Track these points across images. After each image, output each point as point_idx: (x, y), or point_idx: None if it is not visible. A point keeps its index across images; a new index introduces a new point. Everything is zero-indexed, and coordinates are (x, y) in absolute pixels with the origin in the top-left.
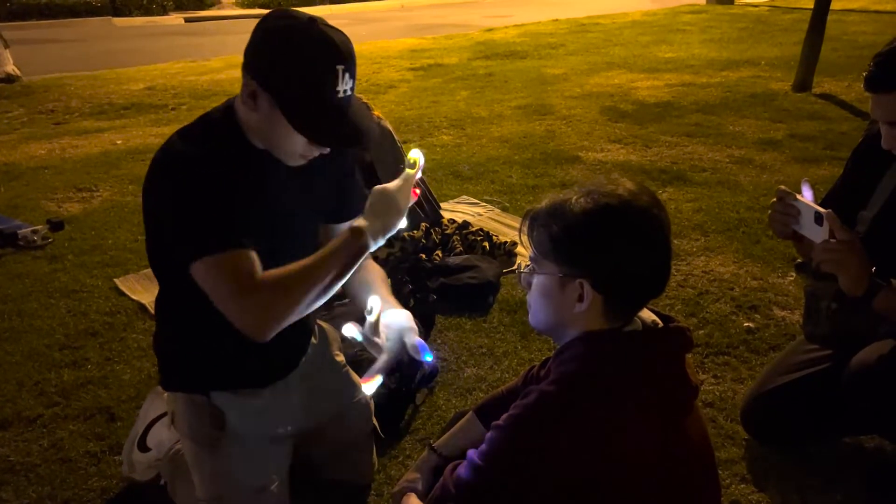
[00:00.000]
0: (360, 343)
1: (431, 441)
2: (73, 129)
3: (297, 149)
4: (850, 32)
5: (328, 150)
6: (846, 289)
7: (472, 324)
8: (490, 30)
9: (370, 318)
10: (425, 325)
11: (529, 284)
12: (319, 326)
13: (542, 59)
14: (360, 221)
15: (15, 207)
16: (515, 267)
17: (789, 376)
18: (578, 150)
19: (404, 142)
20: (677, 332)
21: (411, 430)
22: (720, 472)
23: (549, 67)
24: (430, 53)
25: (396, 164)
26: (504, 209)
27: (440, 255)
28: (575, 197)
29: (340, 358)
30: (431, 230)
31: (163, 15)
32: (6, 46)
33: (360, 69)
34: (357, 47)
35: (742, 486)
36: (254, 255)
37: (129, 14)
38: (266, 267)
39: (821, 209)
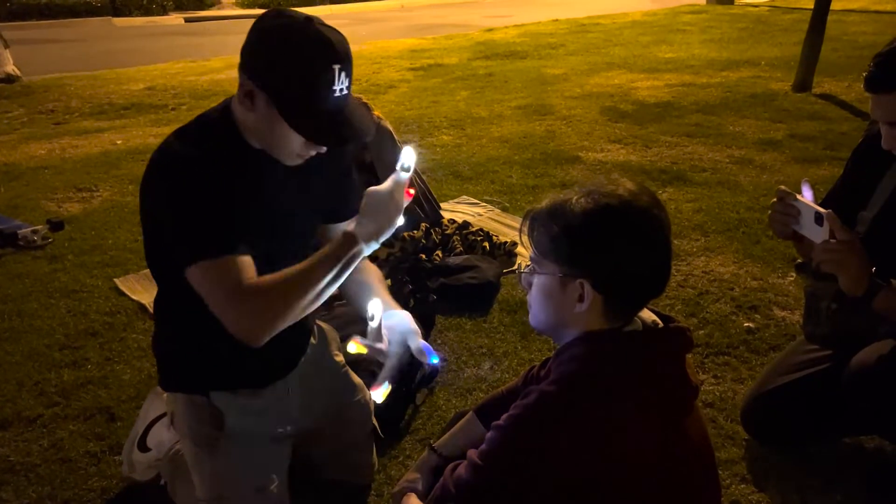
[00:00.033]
0: (365, 356)
1: (431, 441)
2: (73, 129)
3: (294, 148)
4: (851, 32)
5: (325, 149)
6: (846, 289)
7: (472, 324)
8: (490, 30)
9: (372, 324)
10: (425, 326)
11: (530, 284)
12: (319, 327)
13: (542, 59)
14: (352, 226)
15: (15, 207)
16: (515, 267)
17: (789, 376)
18: (578, 150)
19: (404, 142)
20: (677, 333)
21: (411, 430)
22: (720, 472)
23: (549, 67)
24: (430, 53)
25: (396, 164)
26: (504, 209)
27: (440, 255)
28: (575, 197)
29: (340, 358)
30: (431, 230)
31: (163, 15)
32: (6, 46)
33: (361, 69)
34: (357, 47)
35: (742, 486)
36: (248, 260)
37: (129, 14)
38: (263, 267)
39: (821, 209)
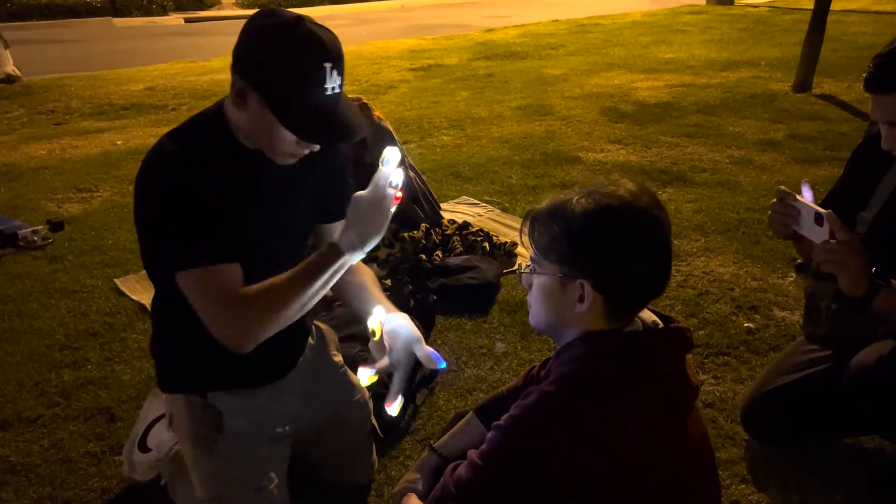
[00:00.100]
0: (377, 377)
1: (432, 441)
2: (73, 129)
3: (287, 147)
4: (851, 33)
5: (318, 147)
6: (846, 289)
7: (472, 324)
8: (490, 30)
9: (374, 338)
10: (425, 326)
11: (530, 285)
12: (317, 327)
13: (542, 59)
14: (337, 234)
15: (15, 208)
16: (516, 267)
17: (789, 377)
18: (578, 150)
19: (405, 142)
20: (677, 333)
21: (411, 430)
22: (720, 472)
23: (549, 68)
24: (430, 54)
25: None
26: (504, 210)
27: (440, 255)
28: (576, 197)
29: (338, 358)
30: (431, 231)
31: (163, 15)
32: (6, 47)
33: (361, 69)
34: (357, 48)
35: (742, 486)
36: (236, 268)
37: (129, 14)
38: (258, 268)
39: (821, 210)
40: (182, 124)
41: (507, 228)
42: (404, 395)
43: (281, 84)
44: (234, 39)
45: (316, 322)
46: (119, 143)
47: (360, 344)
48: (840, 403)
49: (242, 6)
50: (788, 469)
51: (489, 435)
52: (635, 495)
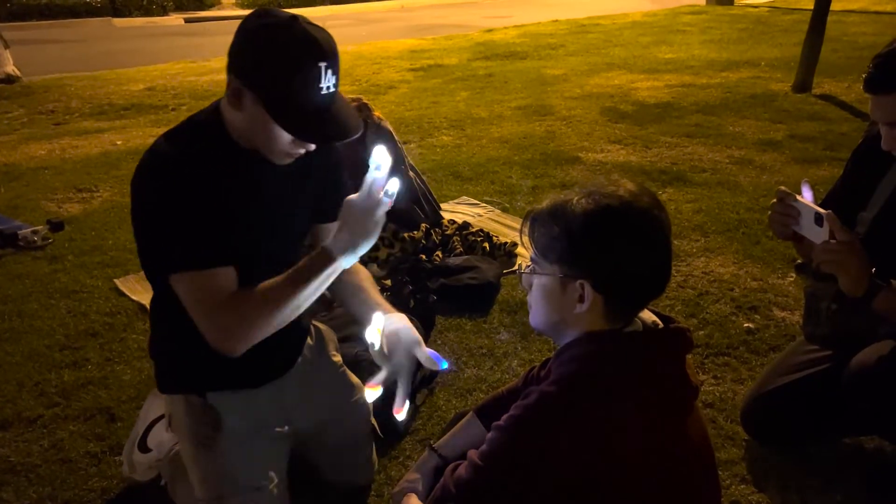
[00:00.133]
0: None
1: (432, 442)
2: (73, 129)
3: (283, 147)
4: (851, 33)
5: (314, 146)
6: (846, 289)
7: (472, 324)
8: (490, 30)
9: (375, 349)
10: (425, 326)
11: (530, 285)
12: (316, 327)
13: (542, 59)
14: (329, 239)
15: (15, 208)
16: (516, 268)
17: (789, 377)
18: (578, 150)
19: (405, 142)
20: (677, 333)
21: (411, 430)
22: (720, 472)
23: (549, 68)
24: (430, 54)
25: (397, 164)
26: (504, 210)
27: (440, 255)
28: (576, 198)
29: (337, 358)
30: (431, 231)
31: (163, 15)
32: (6, 47)
33: (361, 70)
34: (357, 48)
35: (742, 486)
36: (229, 272)
37: (129, 14)
38: (255, 268)
39: (821, 210)
40: (178, 125)
41: (507, 229)
42: (411, 401)
43: (276, 83)
44: None
45: (314, 322)
46: (119, 143)
47: (359, 344)
48: (840, 403)
49: (242, 6)
50: (788, 469)
51: (489, 435)
52: (635, 495)
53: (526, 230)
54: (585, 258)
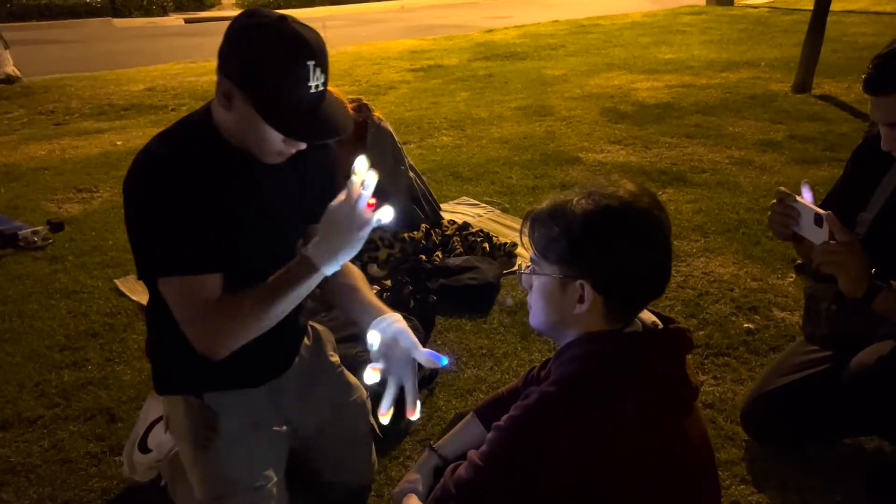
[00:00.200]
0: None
1: (432, 442)
2: (74, 129)
3: (274, 146)
4: (850, 34)
5: (304, 145)
6: (846, 290)
7: (472, 325)
8: (490, 31)
9: (374, 349)
10: (425, 327)
11: (530, 285)
12: (313, 328)
13: (542, 60)
14: (310, 246)
15: (15, 208)
16: (516, 268)
17: (789, 377)
18: (578, 151)
19: (405, 143)
20: (677, 333)
21: (411, 430)
22: (720, 473)
23: (549, 68)
24: (430, 54)
25: (397, 165)
26: (504, 210)
27: (440, 256)
28: (576, 198)
29: (335, 358)
30: (431, 231)
31: (163, 16)
32: (6, 47)
33: (360, 70)
34: (357, 48)
35: (742, 486)
36: (214, 279)
37: (129, 15)
38: (248, 269)
39: (820, 211)
40: (171, 126)
41: (507, 229)
42: (419, 400)
43: (265, 82)
44: None
45: (312, 323)
46: (119, 143)
47: (360, 344)
48: (840, 404)
49: (242, 6)
50: (788, 470)
51: (489, 435)
52: (635, 495)
53: (526, 230)
54: (585, 258)
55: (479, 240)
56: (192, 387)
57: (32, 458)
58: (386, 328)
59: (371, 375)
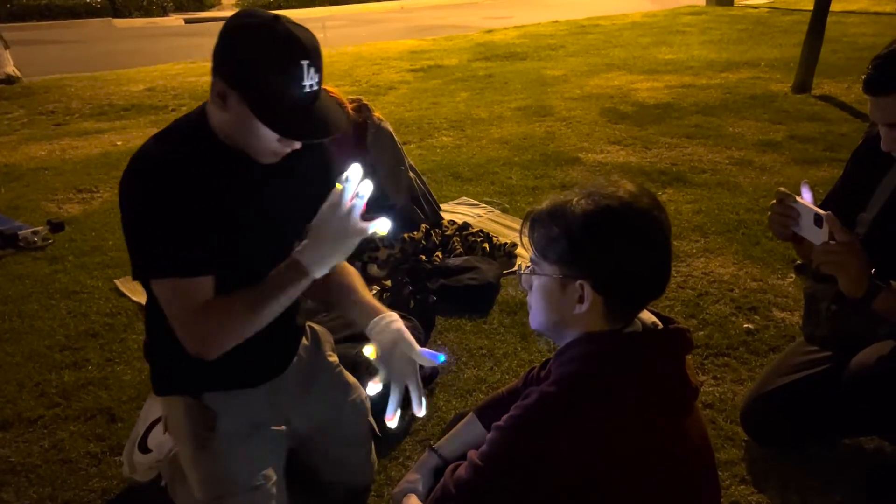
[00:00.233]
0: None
1: (432, 442)
2: (74, 130)
3: (269, 146)
4: (850, 34)
5: (299, 145)
6: (846, 290)
7: (472, 325)
8: (490, 31)
9: (381, 377)
10: (425, 327)
11: (530, 286)
12: (311, 328)
13: (541, 60)
14: (300, 249)
15: (15, 208)
16: (516, 268)
17: (789, 377)
18: (578, 151)
19: (405, 143)
20: (677, 334)
21: (411, 431)
22: (720, 473)
23: (548, 69)
24: (429, 55)
25: (397, 165)
26: (504, 210)
27: (440, 256)
28: (576, 198)
29: (333, 358)
30: (431, 231)
31: (163, 16)
32: (6, 47)
33: (360, 70)
34: (357, 48)
35: (742, 487)
36: (205, 281)
37: (129, 15)
38: (245, 269)
39: (820, 211)
40: (166, 127)
41: (507, 229)
42: (425, 400)
43: (259, 82)
44: None
45: (310, 323)
46: (119, 143)
47: (359, 345)
48: (840, 404)
49: (242, 6)
50: (788, 470)
51: (489, 435)
52: (635, 496)
53: (526, 231)
54: (585, 259)
55: (479, 240)
56: (190, 387)
57: (32, 458)
58: (383, 330)
59: (373, 387)
